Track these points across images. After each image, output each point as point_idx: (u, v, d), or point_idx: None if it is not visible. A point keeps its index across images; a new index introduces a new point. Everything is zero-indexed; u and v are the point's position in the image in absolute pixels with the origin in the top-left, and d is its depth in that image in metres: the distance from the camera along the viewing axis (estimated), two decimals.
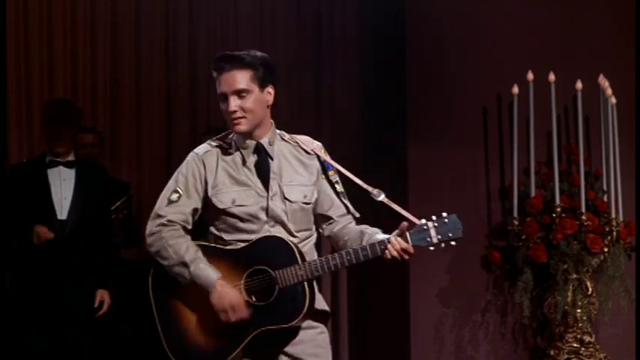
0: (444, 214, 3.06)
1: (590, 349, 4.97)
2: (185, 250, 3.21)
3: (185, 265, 3.20)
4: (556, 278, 4.96)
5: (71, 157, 5.05)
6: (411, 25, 5.29)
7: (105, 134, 6.22)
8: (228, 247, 3.23)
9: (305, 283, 3.13)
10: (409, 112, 5.27)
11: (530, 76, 5.04)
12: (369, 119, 5.81)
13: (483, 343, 5.20)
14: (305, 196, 3.25)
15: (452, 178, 5.21)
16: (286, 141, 3.32)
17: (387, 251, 3.09)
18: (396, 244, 3.07)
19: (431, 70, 5.27)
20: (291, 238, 3.21)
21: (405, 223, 3.14)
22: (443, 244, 3.08)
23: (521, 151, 5.07)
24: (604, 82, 5.09)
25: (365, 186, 3.24)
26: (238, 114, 3.19)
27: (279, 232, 3.21)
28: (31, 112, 6.39)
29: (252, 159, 3.26)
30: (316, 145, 3.33)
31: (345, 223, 3.31)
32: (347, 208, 3.31)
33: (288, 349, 3.21)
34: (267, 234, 3.20)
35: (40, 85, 6.49)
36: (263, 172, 3.24)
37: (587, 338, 4.98)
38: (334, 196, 3.31)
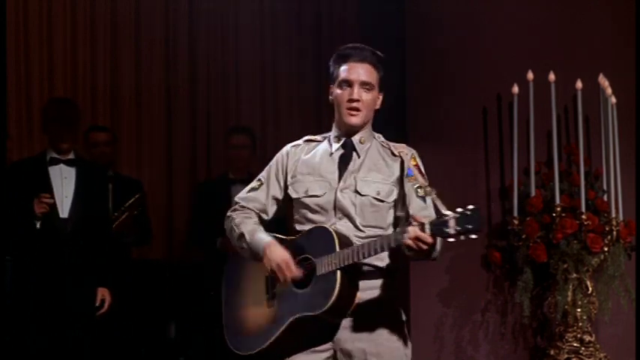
0: (470, 207, 3.01)
1: (590, 349, 4.97)
2: (245, 225, 3.32)
3: (243, 236, 3.31)
4: (556, 278, 4.96)
5: (71, 156, 5.05)
6: (411, 25, 5.29)
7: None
8: (287, 237, 3.31)
9: (338, 272, 3.12)
10: (409, 112, 5.27)
11: (530, 76, 5.04)
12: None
13: (483, 343, 5.20)
14: (378, 192, 3.26)
15: (452, 178, 5.20)
16: (379, 143, 3.36)
17: (404, 240, 3.05)
18: (411, 232, 3.04)
19: (431, 71, 5.27)
20: (357, 232, 3.23)
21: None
22: (462, 236, 3.02)
23: (521, 151, 5.07)
24: (604, 81, 5.09)
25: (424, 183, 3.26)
26: (358, 105, 3.25)
27: (345, 225, 3.23)
28: (31, 112, 6.41)
29: (338, 152, 3.31)
30: (407, 151, 3.35)
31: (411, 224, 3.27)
32: (426, 210, 3.26)
33: (343, 342, 3.22)
34: (317, 225, 3.24)
35: (40, 85, 6.50)
36: (344, 165, 3.29)
37: (587, 338, 4.98)
38: (414, 198, 3.28)
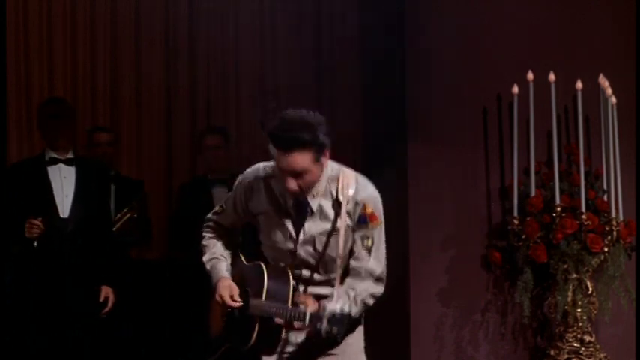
0: (344, 311, 3.08)
1: (590, 349, 4.97)
2: (209, 249, 3.56)
3: (204, 262, 3.55)
4: (556, 278, 4.96)
5: (70, 155, 5.05)
6: (411, 25, 5.29)
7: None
8: (243, 259, 3.54)
9: (258, 319, 3.32)
10: (409, 112, 5.27)
11: (530, 76, 5.03)
12: (369, 119, 5.81)
13: (483, 343, 5.20)
14: (337, 251, 3.29)
15: (452, 178, 5.21)
16: (329, 191, 3.32)
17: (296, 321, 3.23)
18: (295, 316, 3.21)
19: (431, 70, 5.26)
20: (317, 275, 3.36)
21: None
22: (325, 335, 3.09)
23: (521, 151, 5.07)
24: (604, 81, 5.09)
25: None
26: (296, 191, 3.25)
27: (304, 274, 3.38)
28: (31, 112, 6.39)
29: (290, 203, 3.34)
30: (352, 197, 3.31)
31: (352, 276, 3.34)
32: (363, 261, 3.32)
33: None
34: (258, 263, 3.43)
35: (40, 85, 6.50)
36: (299, 218, 3.33)
37: (587, 338, 4.98)
38: (359, 248, 3.32)
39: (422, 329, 5.13)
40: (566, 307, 4.93)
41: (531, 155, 5.05)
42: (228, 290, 3.41)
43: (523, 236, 4.97)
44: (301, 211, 3.32)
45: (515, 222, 5.00)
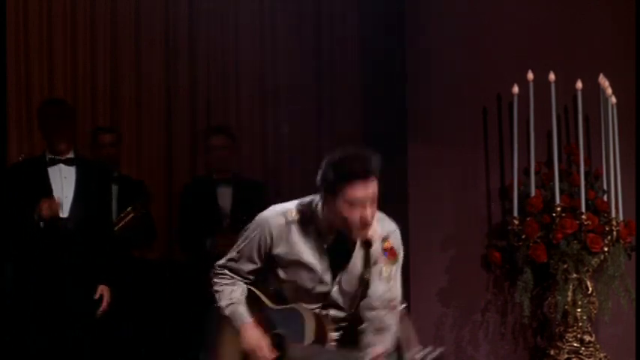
0: (437, 352, 3.18)
1: (590, 349, 4.97)
2: (226, 294, 3.38)
3: (221, 308, 3.38)
4: (556, 278, 4.95)
5: (70, 155, 5.05)
6: (411, 24, 5.29)
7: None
8: (265, 301, 3.37)
9: None
10: (409, 112, 5.27)
11: (530, 76, 5.03)
12: (369, 119, 5.80)
13: (483, 343, 5.20)
14: (363, 288, 3.27)
15: (452, 178, 5.20)
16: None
17: None
18: None
19: (431, 70, 5.26)
20: (341, 313, 3.29)
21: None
22: None
23: (521, 151, 5.07)
24: (604, 81, 5.09)
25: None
26: (370, 221, 3.19)
27: (331, 312, 3.30)
28: (31, 112, 6.39)
29: (329, 242, 3.28)
30: (380, 234, 3.30)
31: (374, 309, 3.28)
32: (385, 295, 3.29)
33: None
34: (295, 307, 3.29)
35: (40, 85, 6.49)
36: (335, 261, 3.28)
37: (587, 338, 4.98)
38: (376, 280, 3.28)
39: (422, 329, 5.12)
40: (566, 307, 4.93)
41: (531, 155, 5.05)
42: (258, 341, 3.29)
43: (523, 236, 4.97)
44: (339, 252, 3.27)
45: (515, 222, 5.00)
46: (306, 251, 3.27)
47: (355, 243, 3.27)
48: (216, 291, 3.39)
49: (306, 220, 3.28)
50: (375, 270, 3.26)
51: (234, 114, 6.92)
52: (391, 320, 3.28)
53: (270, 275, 3.39)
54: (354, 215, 3.15)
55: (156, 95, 6.79)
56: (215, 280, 3.42)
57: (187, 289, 5.91)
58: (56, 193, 4.94)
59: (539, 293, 5.05)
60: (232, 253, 3.39)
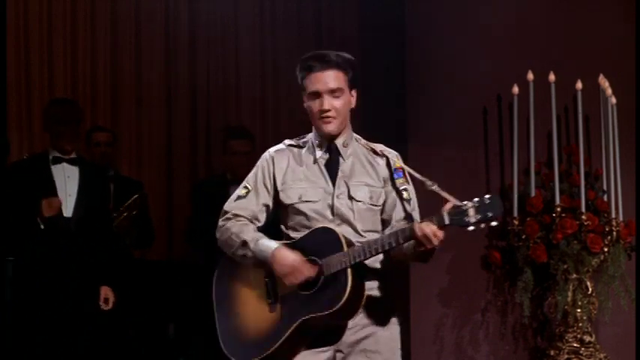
0: (487, 195, 3.04)
1: (590, 349, 4.97)
2: (246, 232, 3.27)
3: (246, 243, 3.26)
4: (556, 278, 4.96)
5: (74, 155, 5.05)
6: (411, 25, 5.29)
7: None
8: (287, 242, 3.27)
9: (348, 270, 3.11)
10: (409, 112, 5.27)
11: (530, 76, 5.04)
12: (369, 119, 5.80)
13: (483, 343, 5.20)
14: (371, 197, 3.29)
15: (452, 178, 5.19)
16: (361, 145, 3.40)
17: (415, 232, 3.06)
18: (424, 227, 3.06)
19: (431, 70, 5.27)
20: (359, 238, 3.22)
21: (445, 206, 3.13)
22: (482, 224, 3.04)
23: (521, 151, 5.07)
24: (604, 82, 5.09)
25: (423, 178, 3.28)
26: (331, 113, 3.27)
27: (345, 230, 3.23)
28: (31, 112, 6.40)
29: (323, 157, 3.33)
30: (390, 153, 3.39)
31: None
32: (407, 213, 3.29)
33: (342, 345, 3.23)
34: (319, 226, 3.22)
35: (40, 85, 6.50)
36: (332, 170, 3.31)
37: (587, 338, 4.98)
38: (398, 201, 3.31)
39: (422, 329, 5.13)
40: (566, 307, 4.93)
41: (531, 155, 5.05)
42: (293, 260, 3.15)
43: (523, 236, 4.97)
44: (333, 164, 3.31)
45: (516, 222, 5.00)
46: (301, 165, 3.33)
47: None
48: (234, 233, 3.28)
49: (302, 141, 3.39)
50: (396, 188, 3.30)
51: (234, 114, 6.92)
52: None
53: (280, 216, 3.35)
54: (315, 106, 3.27)
55: (156, 95, 6.80)
56: (227, 224, 3.31)
57: (188, 289, 5.92)
58: (60, 192, 4.94)
59: (540, 293, 5.06)
60: (240, 190, 3.36)
